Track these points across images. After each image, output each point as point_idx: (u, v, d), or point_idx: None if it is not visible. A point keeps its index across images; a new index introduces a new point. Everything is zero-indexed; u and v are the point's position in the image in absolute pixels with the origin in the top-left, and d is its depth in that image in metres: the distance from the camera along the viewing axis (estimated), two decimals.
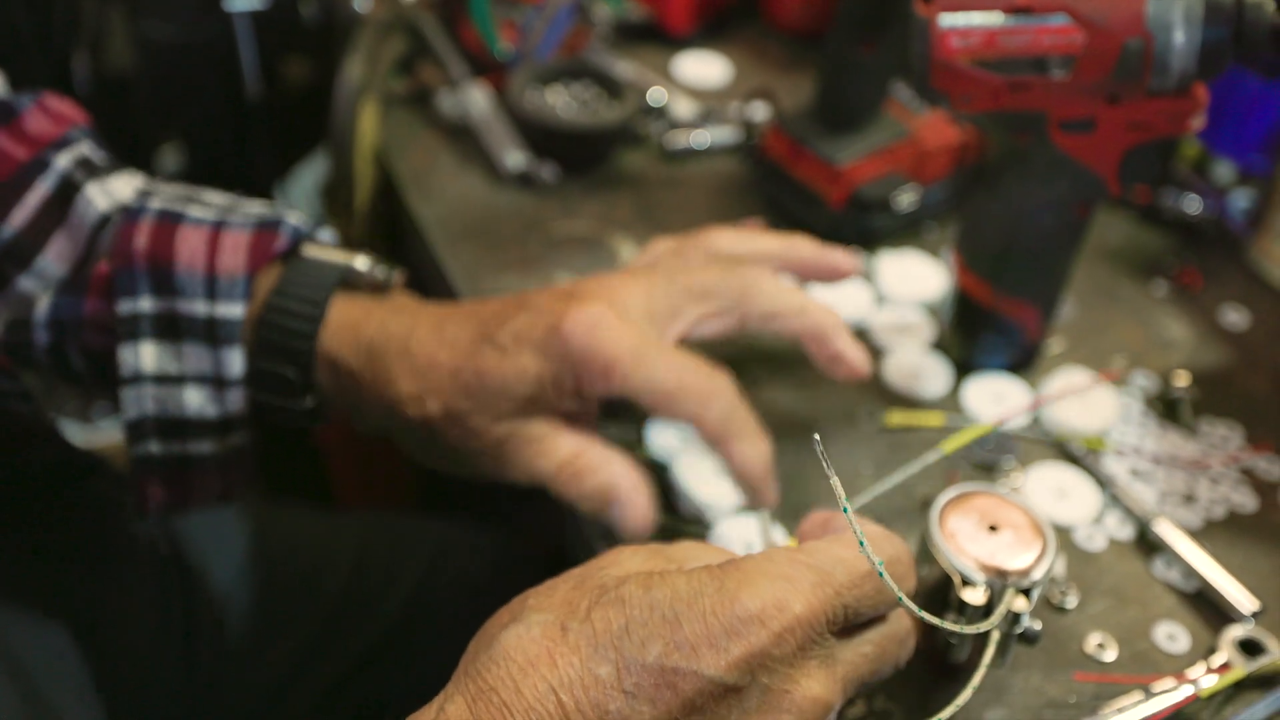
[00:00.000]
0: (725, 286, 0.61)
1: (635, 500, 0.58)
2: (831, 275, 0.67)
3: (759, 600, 0.43)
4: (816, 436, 0.46)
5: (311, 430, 0.96)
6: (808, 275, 0.66)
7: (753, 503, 0.61)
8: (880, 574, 0.45)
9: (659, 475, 0.65)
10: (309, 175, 1.13)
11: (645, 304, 0.59)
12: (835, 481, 0.45)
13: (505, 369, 0.57)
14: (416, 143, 0.87)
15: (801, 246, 0.66)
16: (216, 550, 0.80)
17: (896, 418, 0.70)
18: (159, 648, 0.74)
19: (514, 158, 0.83)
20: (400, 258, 0.89)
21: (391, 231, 0.89)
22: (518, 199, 0.83)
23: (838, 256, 0.66)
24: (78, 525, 0.74)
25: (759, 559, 0.46)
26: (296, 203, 1.15)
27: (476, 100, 0.86)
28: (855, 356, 0.63)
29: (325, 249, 0.64)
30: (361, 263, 0.63)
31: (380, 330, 0.60)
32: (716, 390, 0.57)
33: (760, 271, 0.62)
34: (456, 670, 0.46)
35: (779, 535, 0.63)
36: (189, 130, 1.08)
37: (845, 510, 0.45)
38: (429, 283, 0.80)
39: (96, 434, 1.18)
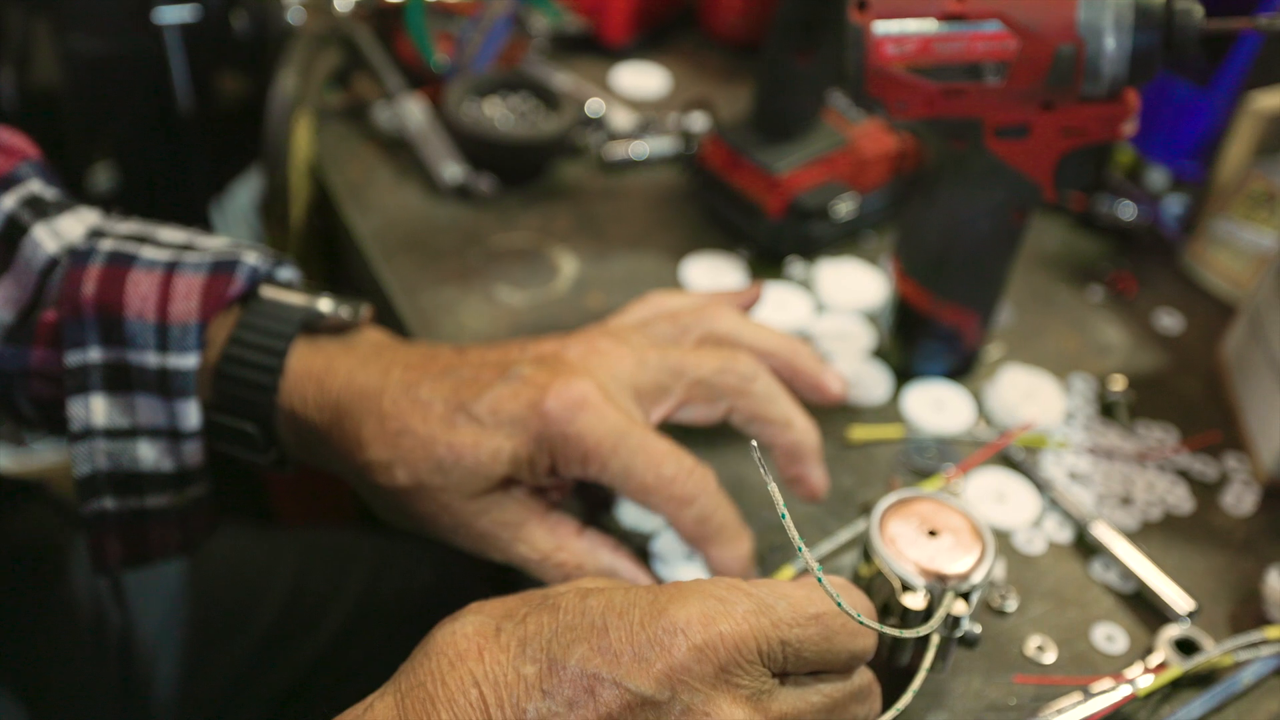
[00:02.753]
0: (720, 382, 0.58)
1: (636, 576, 0.57)
2: (817, 395, 0.63)
3: (686, 614, 0.43)
4: (754, 444, 0.45)
5: None
6: (797, 385, 0.62)
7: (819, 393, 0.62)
8: (838, 604, 0.44)
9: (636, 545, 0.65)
10: (245, 192, 1.11)
11: (633, 379, 0.57)
12: (774, 488, 0.45)
13: (480, 448, 0.54)
14: (352, 156, 0.86)
15: (802, 356, 0.62)
16: (152, 575, 0.79)
17: (859, 433, 0.69)
18: (92, 673, 0.73)
19: (451, 170, 0.82)
20: (337, 272, 0.89)
21: (328, 246, 0.88)
22: (456, 212, 0.83)
23: (830, 378, 0.63)
24: (6, 552, 0.72)
25: (701, 581, 0.46)
26: (233, 220, 1.14)
27: (413, 113, 0.85)
28: (818, 481, 0.61)
29: (285, 291, 0.60)
30: (325, 304, 0.59)
31: (347, 384, 0.57)
32: (695, 491, 0.55)
33: (758, 369, 0.59)
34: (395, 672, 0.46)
35: None
36: (120, 147, 1.06)
37: (784, 517, 0.44)
38: (366, 296, 0.79)
39: (32, 457, 1.16)
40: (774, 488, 0.44)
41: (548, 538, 0.56)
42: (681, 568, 0.61)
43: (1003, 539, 0.65)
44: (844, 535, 0.63)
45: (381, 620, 0.84)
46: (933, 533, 0.54)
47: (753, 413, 0.59)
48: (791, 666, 0.45)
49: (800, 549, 0.44)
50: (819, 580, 0.45)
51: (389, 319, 0.76)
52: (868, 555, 0.54)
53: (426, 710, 0.42)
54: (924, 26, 0.60)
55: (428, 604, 0.86)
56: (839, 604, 0.45)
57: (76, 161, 1.10)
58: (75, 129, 1.02)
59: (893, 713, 0.48)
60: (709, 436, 0.67)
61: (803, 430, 0.59)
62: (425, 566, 0.91)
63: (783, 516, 0.44)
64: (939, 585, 0.52)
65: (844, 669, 0.47)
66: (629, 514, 0.63)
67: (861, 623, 0.45)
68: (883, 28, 0.60)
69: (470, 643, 0.44)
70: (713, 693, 0.43)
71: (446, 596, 0.88)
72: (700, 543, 0.56)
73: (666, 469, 0.55)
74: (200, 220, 1.19)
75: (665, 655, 0.43)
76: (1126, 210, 0.88)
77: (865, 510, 0.65)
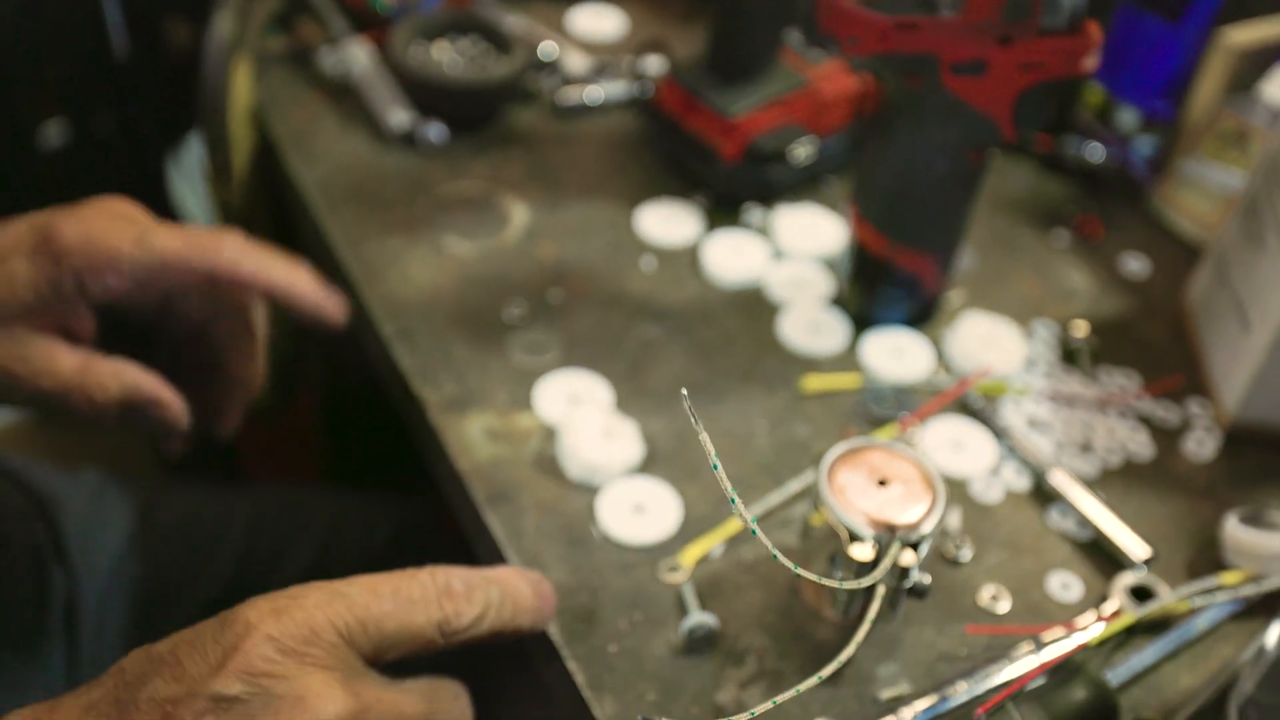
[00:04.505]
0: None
1: (164, 395, 0.59)
2: (320, 316, 0.63)
3: (256, 611, 0.44)
4: (684, 391, 0.44)
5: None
6: (300, 311, 0.63)
7: (320, 318, 0.62)
8: (775, 555, 0.43)
9: (546, 442, 0.63)
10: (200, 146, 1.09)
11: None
12: (705, 438, 0.43)
13: None
14: (296, 103, 0.83)
15: (303, 281, 0.63)
16: (99, 532, 0.77)
17: (814, 383, 0.68)
18: (36, 632, 0.71)
19: (398, 117, 0.80)
20: (284, 225, 0.86)
21: (274, 198, 0.85)
22: (403, 160, 0.80)
23: (328, 301, 0.63)
24: None
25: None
26: (191, 176, 1.11)
27: (358, 57, 0.82)
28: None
29: None
30: None
31: None
32: (223, 237, 0.59)
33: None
34: None
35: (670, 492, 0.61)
36: (66, 103, 1.03)
37: (715, 468, 0.43)
38: (311, 249, 0.77)
39: None
40: (705, 437, 0.43)
41: (70, 359, 0.57)
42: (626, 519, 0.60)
43: (959, 488, 0.64)
44: (794, 486, 0.61)
45: (338, 576, 0.83)
46: (883, 482, 0.53)
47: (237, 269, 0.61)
48: (382, 645, 0.46)
49: (733, 500, 0.43)
50: (753, 531, 0.43)
51: (333, 271, 0.74)
52: (817, 505, 0.53)
53: None
54: None
55: (385, 560, 0.85)
56: (775, 555, 0.43)
57: (26, 118, 1.08)
58: (18, 82, 0.99)
59: (835, 665, 0.47)
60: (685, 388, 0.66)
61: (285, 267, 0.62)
62: (383, 523, 0.89)
63: (715, 468, 0.43)
64: (887, 535, 0.51)
65: (439, 638, 0.47)
66: (575, 468, 0.62)
67: (798, 574, 0.44)
68: None
69: None
70: (301, 677, 0.43)
71: (404, 553, 0.86)
72: (256, 275, 0.60)
73: (190, 234, 0.58)
74: (156, 176, 1.17)
75: (239, 654, 0.42)
76: (1094, 152, 0.85)
77: (819, 460, 0.64)
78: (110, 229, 0.57)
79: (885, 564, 0.49)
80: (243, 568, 0.81)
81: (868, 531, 0.51)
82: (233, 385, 0.67)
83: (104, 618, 0.74)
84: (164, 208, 1.17)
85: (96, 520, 0.78)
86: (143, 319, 0.65)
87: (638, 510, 0.60)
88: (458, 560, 0.51)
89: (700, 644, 0.55)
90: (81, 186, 1.16)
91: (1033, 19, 0.59)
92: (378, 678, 0.46)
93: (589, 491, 0.61)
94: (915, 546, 0.52)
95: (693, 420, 0.43)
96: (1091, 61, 0.61)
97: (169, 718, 0.42)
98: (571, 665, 0.54)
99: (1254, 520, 0.60)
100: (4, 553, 0.71)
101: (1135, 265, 0.80)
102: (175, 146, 1.10)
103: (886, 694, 0.54)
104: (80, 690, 0.44)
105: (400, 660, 0.48)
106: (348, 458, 1.11)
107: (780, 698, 0.44)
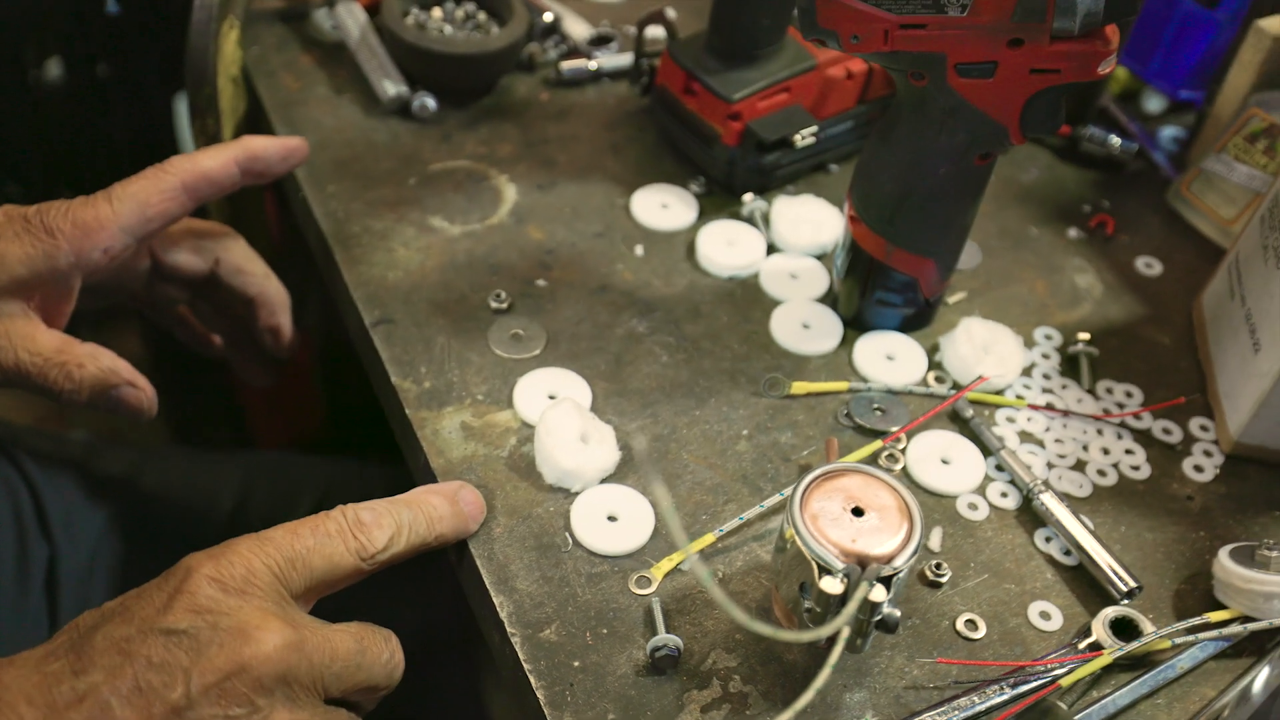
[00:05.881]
0: (207, 229, 0.70)
1: (140, 380, 0.63)
2: (289, 158, 0.69)
3: (197, 557, 0.49)
4: (640, 444, 0.42)
5: (226, 375, 0.93)
6: (270, 167, 0.68)
7: (294, 163, 0.69)
8: (728, 609, 0.42)
9: (524, 441, 0.62)
10: None
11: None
12: (659, 485, 0.41)
13: None
14: (288, 67, 0.81)
15: (256, 143, 0.67)
16: (84, 505, 0.77)
17: (800, 386, 0.66)
18: (16, 605, 0.72)
19: (391, 87, 0.77)
20: (274, 195, 0.84)
21: None
22: (395, 131, 0.78)
23: (289, 140, 0.69)
24: None
25: None
26: None
27: (352, 21, 0.80)
28: (288, 329, 0.74)
29: None
30: None
31: None
32: (170, 161, 0.63)
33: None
34: None
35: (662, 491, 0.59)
36: (67, 47, 1.02)
37: (668, 513, 0.41)
38: (301, 224, 0.75)
39: None
40: (658, 481, 0.41)
41: (51, 342, 0.60)
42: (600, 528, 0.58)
43: (944, 504, 0.62)
44: (771, 501, 0.60)
45: None
46: (858, 510, 0.51)
47: (237, 265, 0.70)
48: (312, 581, 0.50)
49: (688, 553, 0.41)
50: (708, 586, 0.42)
51: (318, 247, 0.72)
52: (790, 525, 0.51)
53: None
54: None
55: None
56: (731, 612, 0.42)
57: (27, 56, 1.07)
58: (17, 24, 0.98)
59: (790, 713, 0.45)
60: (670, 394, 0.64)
61: (278, 283, 0.72)
62: (380, 487, 0.89)
63: (667, 513, 0.41)
64: (857, 570, 0.49)
65: (363, 564, 0.52)
66: (550, 472, 0.60)
67: (759, 633, 0.43)
68: None
69: None
70: (242, 612, 0.47)
71: None
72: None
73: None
74: (163, 114, 1.15)
75: (184, 594, 0.47)
76: (1115, 140, 0.82)
77: (803, 470, 0.62)
78: (85, 202, 0.61)
79: (850, 608, 0.48)
80: (230, 535, 0.81)
81: (838, 565, 0.50)
82: (260, 335, 0.74)
83: (87, 592, 0.74)
84: (170, 146, 1.15)
85: (82, 492, 0.78)
86: (160, 299, 0.72)
87: (611, 519, 0.59)
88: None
89: (664, 663, 0.54)
90: (84, 123, 1.15)
91: (1045, 22, 0.56)
92: (312, 618, 0.50)
93: (563, 496, 0.60)
94: (887, 581, 0.50)
95: (646, 469, 0.41)
96: (1108, 67, 0.57)
97: (123, 652, 0.45)
98: (533, 680, 0.53)
99: (1247, 556, 0.58)
100: None
101: (1147, 267, 0.77)
102: (180, 88, 1.08)
103: None
104: (37, 647, 0.47)
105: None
106: (348, 419, 1.10)
107: None
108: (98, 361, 0.61)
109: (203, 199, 0.64)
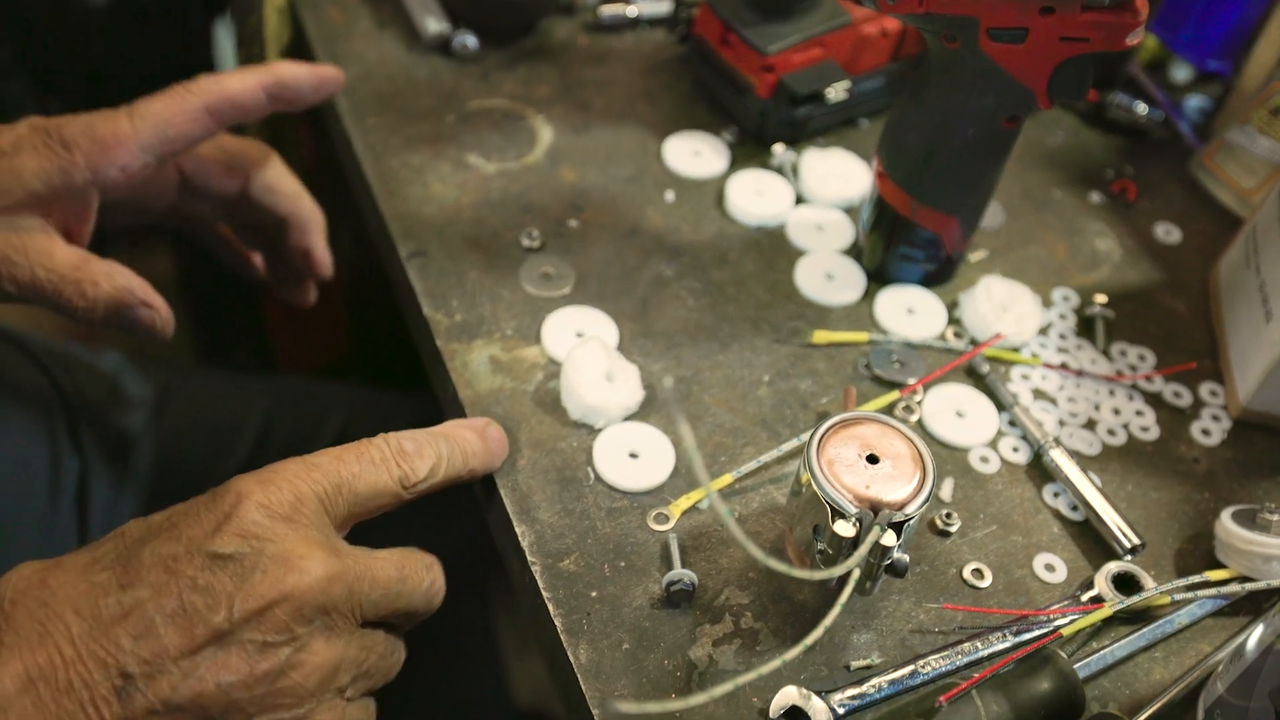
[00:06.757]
0: (240, 149, 0.69)
1: (155, 300, 0.62)
2: (323, 87, 0.67)
3: (244, 483, 0.48)
4: (667, 382, 0.44)
5: (254, 297, 0.94)
6: (302, 96, 0.66)
7: (326, 93, 0.67)
8: (747, 547, 0.44)
9: (550, 377, 0.64)
10: None
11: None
12: (682, 422, 0.43)
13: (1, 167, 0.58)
14: (333, 1, 0.82)
15: (285, 69, 0.66)
16: (114, 422, 0.79)
17: (820, 336, 0.67)
18: (47, 518, 0.74)
19: (434, 23, 0.78)
20: (313, 126, 0.86)
21: None
22: (436, 68, 0.79)
23: (322, 67, 0.67)
24: None
25: None
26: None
27: None
28: (323, 254, 0.73)
29: None
30: None
31: None
32: (197, 80, 0.62)
33: (269, 154, 0.70)
34: None
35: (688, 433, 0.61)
36: None
37: (691, 460, 0.43)
38: (339, 154, 0.77)
39: None
40: (682, 420, 0.43)
41: (68, 258, 0.59)
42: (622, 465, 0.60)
43: (957, 456, 0.64)
44: (789, 446, 0.62)
45: None
46: (873, 458, 0.53)
47: (269, 183, 0.70)
48: (354, 507, 0.51)
49: (709, 493, 0.43)
50: (726, 521, 0.44)
51: (356, 179, 0.74)
52: (806, 469, 0.53)
53: (4, 660, 0.43)
54: None
55: None
56: (747, 547, 0.44)
57: None
58: None
59: (799, 649, 0.48)
60: (696, 336, 0.66)
61: (310, 203, 0.71)
62: (398, 419, 0.91)
63: (691, 460, 0.43)
64: (870, 515, 0.51)
65: (404, 493, 0.53)
66: (575, 408, 0.62)
67: (771, 568, 0.45)
68: None
69: (28, 580, 0.46)
70: (289, 539, 0.47)
71: None
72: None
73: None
74: (201, 39, 1.15)
75: (234, 519, 0.47)
76: (1141, 108, 0.83)
77: (821, 417, 0.64)
78: (105, 118, 0.60)
79: (862, 550, 0.50)
80: (255, 461, 0.82)
81: (852, 509, 0.52)
82: (291, 256, 0.74)
83: (116, 507, 0.76)
84: (207, 70, 1.16)
85: (112, 409, 0.79)
86: (190, 216, 0.71)
87: (632, 455, 0.61)
88: None
89: (679, 598, 0.56)
90: (125, 44, 1.16)
91: None
92: (354, 546, 0.50)
93: (586, 432, 0.62)
94: (898, 527, 0.52)
95: (671, 408, 0.43)
96: (1136, 38, 0.58)
97: (170, 571, 0.46)
98: (551, 608, 0.55)
99: (1248, 518, 0.60)
100: (22, 436, 0.73)
101: (1167, 234, 0.78)
102: (220, 14, 1.09)
103: (857, 664, 0.55)
104: (82, 550, 0.48)
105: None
106: (372, 348, 1.12)
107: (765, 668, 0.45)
108: (113, 280, 0.61)
109: (227, 122, 0.63)
